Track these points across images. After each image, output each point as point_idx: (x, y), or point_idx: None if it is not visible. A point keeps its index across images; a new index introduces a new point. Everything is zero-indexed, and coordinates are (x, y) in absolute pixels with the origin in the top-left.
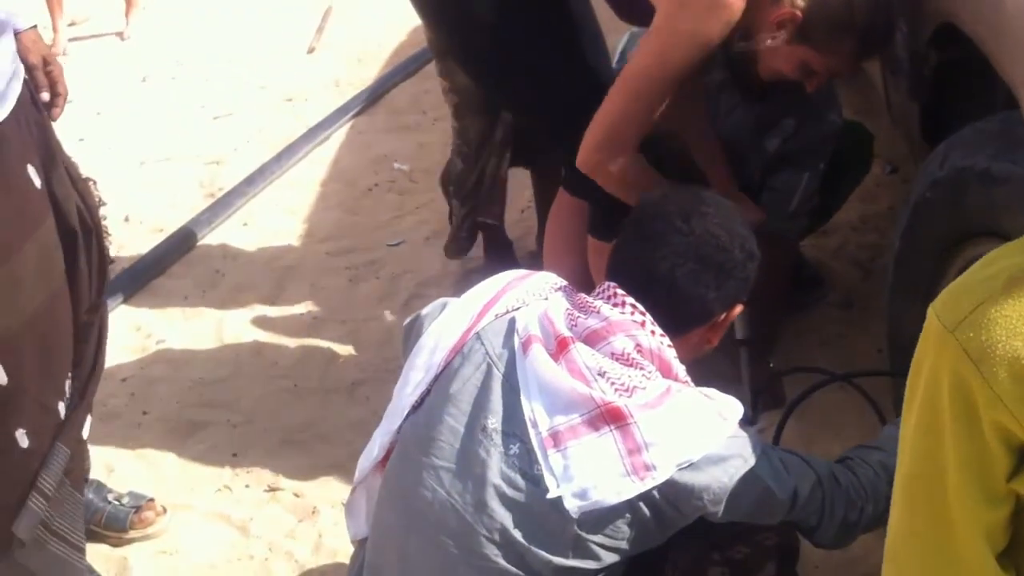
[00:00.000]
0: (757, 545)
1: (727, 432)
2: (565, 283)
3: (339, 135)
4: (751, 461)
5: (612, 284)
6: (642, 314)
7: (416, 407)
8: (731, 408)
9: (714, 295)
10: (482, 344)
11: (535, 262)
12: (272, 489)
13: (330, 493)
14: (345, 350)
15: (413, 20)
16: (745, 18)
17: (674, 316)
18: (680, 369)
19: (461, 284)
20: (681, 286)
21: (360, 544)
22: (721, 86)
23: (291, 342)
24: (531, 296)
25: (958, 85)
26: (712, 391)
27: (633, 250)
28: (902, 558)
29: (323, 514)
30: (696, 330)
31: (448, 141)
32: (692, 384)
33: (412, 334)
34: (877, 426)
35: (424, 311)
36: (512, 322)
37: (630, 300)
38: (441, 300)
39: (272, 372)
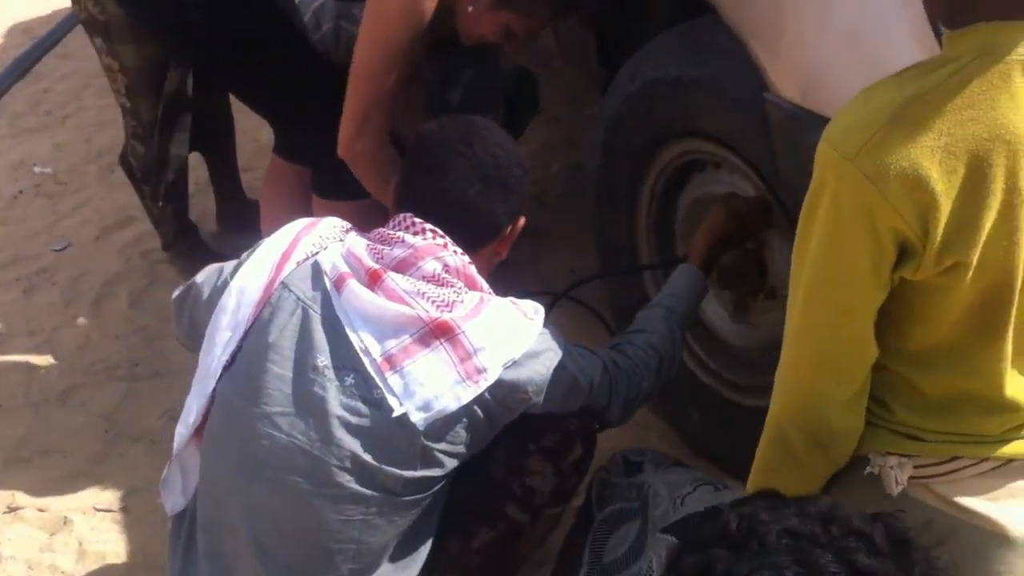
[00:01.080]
0: (564, 431)
1: (537, 330)
2: (350, 225)
3: None
4: (560, 353)
5: (407, 215)
6: (442, 237)
7: (228, 366)
8: (535, 309)
9: (502, 210)
10: (291, 291)
11: (220, 242)
12: (12, 509)
13: (78, 502)
14: (43, 360)
15: (8, 17)
16: None
17: (469, 235)
18: (483, 282)
19: (150, 275)
20: (472, 206)
21: (176, 518)
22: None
23: None
24: (326, 240)
25: (625, 9)
26: (513, 298)
27: (421, 179)
28: (800, 346)
29: (77, 523)
30: (488, 245)
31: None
32: (494, 294)
33: (187, 303)
34: (604, 333)
35: (198, 278)
36: (316, 265)
37: (429, 226)
38: (215, 265)
39: None
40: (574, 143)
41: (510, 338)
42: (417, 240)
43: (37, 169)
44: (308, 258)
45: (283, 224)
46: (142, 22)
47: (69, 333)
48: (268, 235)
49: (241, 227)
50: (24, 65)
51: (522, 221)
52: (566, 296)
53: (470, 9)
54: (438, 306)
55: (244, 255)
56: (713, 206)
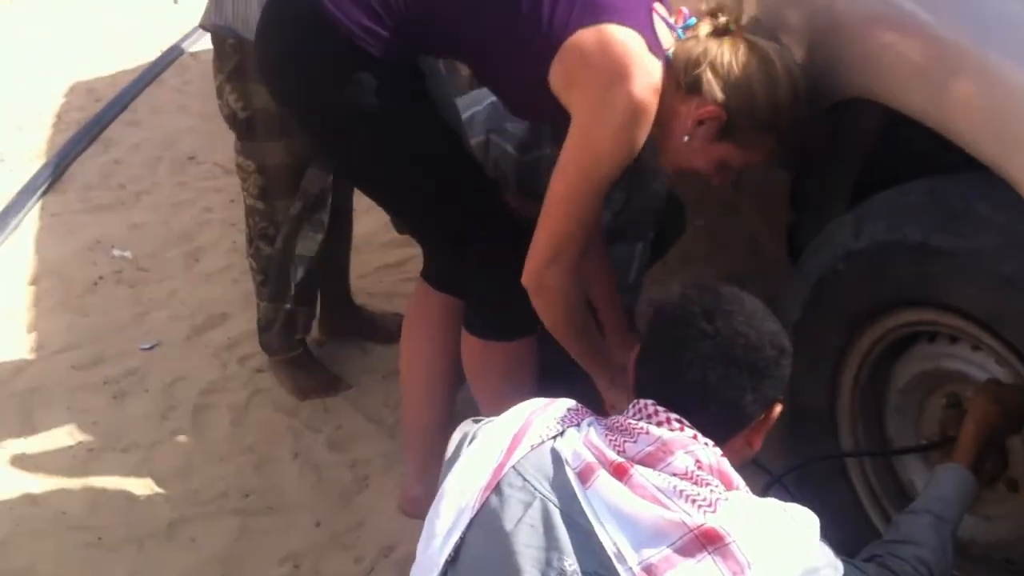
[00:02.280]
0: None
1: (813, 540)
2: (583, 407)
3: (29, 220)
4: (839, 570)
5: (647, 402)
6: (690, 428)
7: (452, 559)
8: (803, 514)
9: (751, 397)
10: (525, 479)
11: (322, 352)
12: None
13: None
14: (142, 485)
15: (70, 75)
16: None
17: (714, 424)
18: (739, 479)
19: (251, 385)
20: (716, 392)
21: None
22: (551, 161)
23: (71, 483)
24: (561, 424)
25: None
26: (772, 498)
27: (659, 360)
28: None
29: None
30: (739, 435)
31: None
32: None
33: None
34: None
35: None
36: (555, 452)
37: (674, 416)
38: (459, 431)
39: (62, 524)
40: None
41: (787, 550)
42: (663, 432)
43: (116, 253)
44: (543, 442)
45: (422, 361)
46: (297, 116)
47: (168, 451)
48: (405, 371)
49: (345, 336)
50: (94, 131)
51: (779, 408)
52: (780, 480)
53: (686, 139)
54: (700, 507)
55: (469, 433)
56: (977, 396)
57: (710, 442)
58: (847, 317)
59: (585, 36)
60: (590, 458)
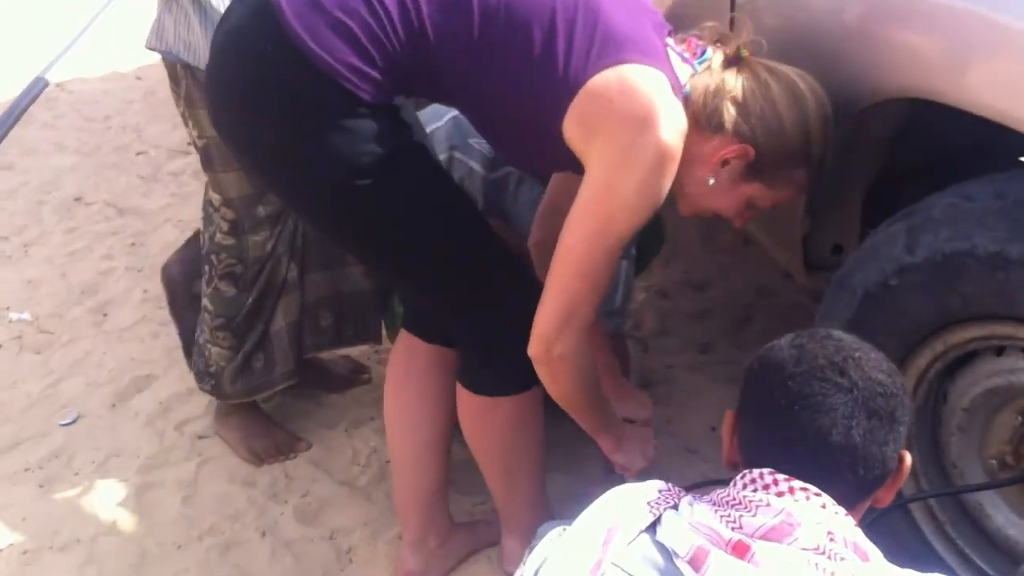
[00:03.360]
0: None
1: None
2: (672, 485)
3: None
4: None
5: (764, 470)
6: (817, 495)
7: None
8: None
9: (892, 449)
10: (626, 573)
11: (270, 406)
12: None
13: None
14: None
15: None
16: None
17: (855, 488)
18: (874, 550)
19: (196, 456)
20: (861, 451)
21: None
22: (521, 177)
23: None
24: (654, 509)
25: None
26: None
27: (785, 423)
28: None
29: None
30: (872, 496)
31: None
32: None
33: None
34: None
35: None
36: (658, 543)
37: (798, 484)
38: (550, 531)
39: None
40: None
41: None
42: (787, 502)
43: (13, 316)
44: (640, 533)
45: (413, 419)
46: (261, 168)
47: (115, 545)
48: (393, 432)
49: (305, 389)
50: None
51: (908, 460)
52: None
53: (712, 182)
54: None
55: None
56: None
57: (841, 510)
58: (901, 335)
59: (607, 80)
60: (700, 541)
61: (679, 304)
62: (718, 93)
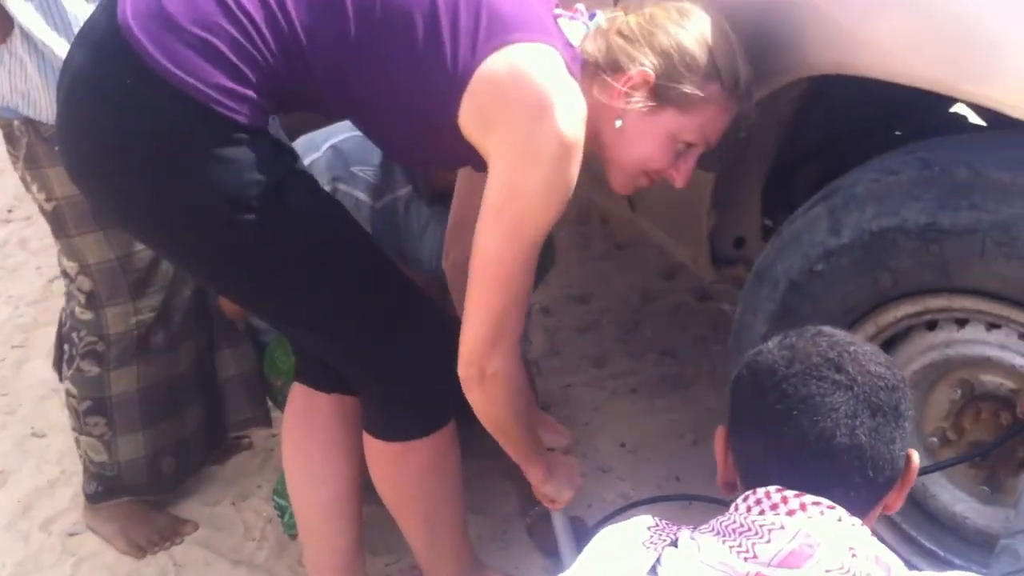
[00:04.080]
0: None
1: None
2: (661, 520)
3: None
4: None
5: (769, 489)
6: (831, 508)
7: None
8: None
9: (899, 447)
10: None
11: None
12: None
13: None
14: None
15: None
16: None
17: (865, 494)
18: (895, 560)
19: (68, 556)
20: (869, 451)
21: None
22: (408, 202)
23: None
24: (652, 549)
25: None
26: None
27: (785, 431)
28: None
29: None
30: (884, 500)
31: None
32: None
33: None
34: None
35: None
36: None
37: (809, 499)
38: None
39: None
40: None
41: None
42: (801, 522)
43: None
44: None
45: (321, 475)
46: (128, 216)
47: None
48: (298, 493)
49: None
50: None
51: (916, 458)
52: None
53: (619, 124)
54: None
55: None
56: None
57: (857, 521)
58: (831, 321)
59: (496, 65)
60: None
61: (565, 320)
62: (605, 33)
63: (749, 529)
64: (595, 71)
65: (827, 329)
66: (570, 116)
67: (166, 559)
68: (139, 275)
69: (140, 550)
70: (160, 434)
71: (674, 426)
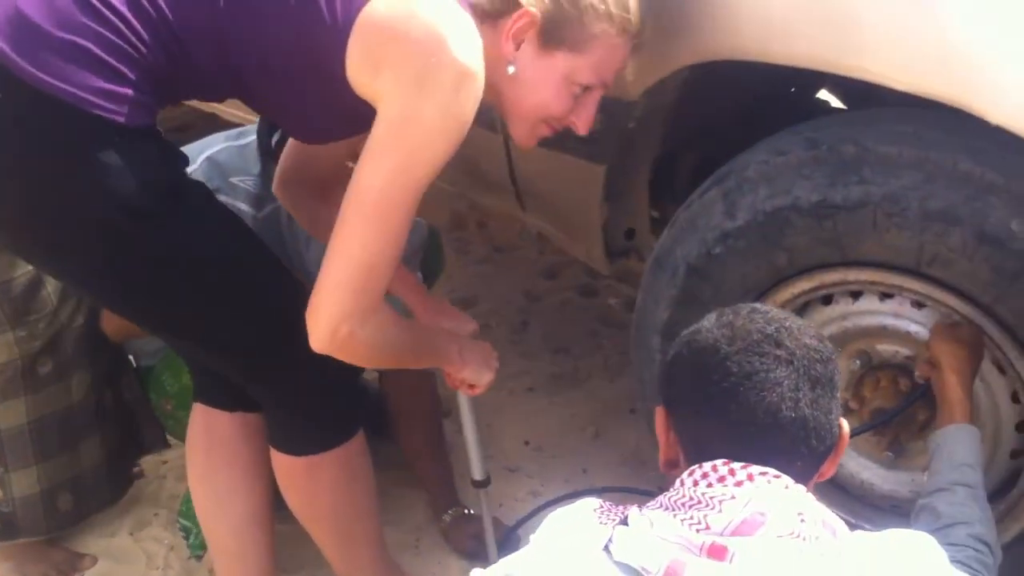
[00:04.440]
0: None
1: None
2: (606, 501)
3: None
4: None
5: (716, 462)
6: (777, 477)
7: None
8: (924, 539)
9: (835, 416)
10: None
11: None
12: None
13: None
14: None
15: None
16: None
17: (809, 462)
18: (839, 523)
19: None
20: (812, 422)
21: None
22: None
23: None
24: (599, 528)
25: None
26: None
27: (732, 407)
28: None
29: None
30: (823, 466)
31: None
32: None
33: None
34: None
35: None
36: (620, 564)
37: (756, 469)
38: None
39: None
40: None
41: None
42: (751, 491)
43: None
44: (597, 558)
45: (230, 497)
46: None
47: None
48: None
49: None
50: None
51: (847, 427)
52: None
53: (512, 70)
54: None
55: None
56: (939, 344)
57: (801, 488)
58: (732, 302)
59: (379, 6)
60: (672, 552)
61: None
62: None
63: (699, 502)
64: (483, 16)
65: (760, 306)
66: (466, 44)
67: None
68: (17, 303)
69: None
70: (55, 469)
71: (575, 420)
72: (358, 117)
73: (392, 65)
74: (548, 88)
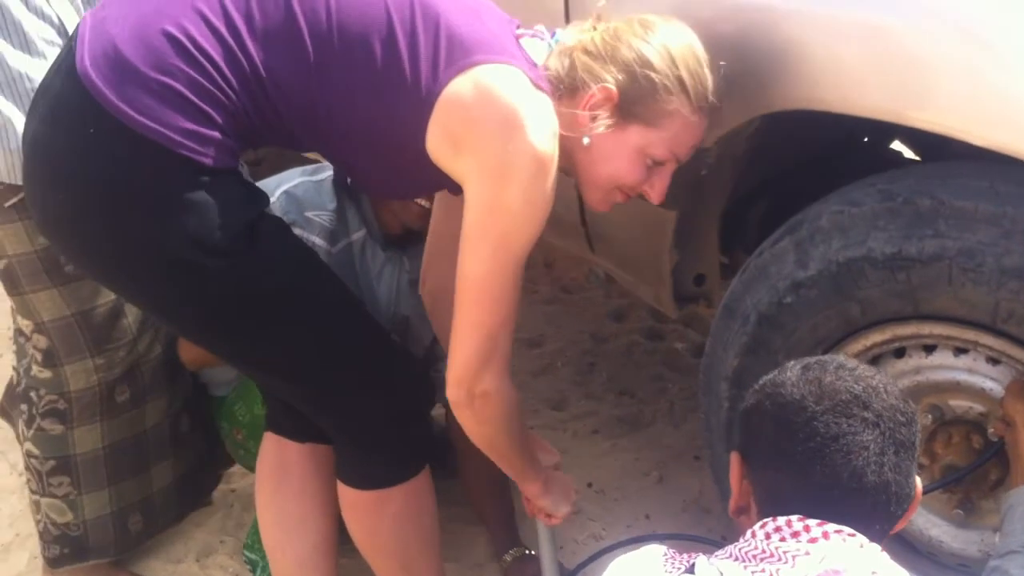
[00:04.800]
0: None
1: None
2: (670, 548)
3: None
4: None
5: (791, 517)
6: (852, 536)
7: None
8: None
9: (913, 477)
10: None
11: None
12: None
13: None
14: None
15: None
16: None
17: (887, 523)
18: None
19: None
20: (895, 487)
21: None
22: (363, 245)
23: None
24: (671, 573)
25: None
26: None
27: (816, 468)
28: None
29: None
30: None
31: None
32: None
33: None
34: None
35: None
36: None
37: (831, 527)
38: None
39: None
40: None
41: None
42: (824, 548)
43: None
44: None
45: (299, 527)
46: (102, 269)
47: None
48: (275, 547)
49: None
50: None
51: (920, 486)
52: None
53: (587, 141)
54: None
55: None
56: (1020, 402)
57: (876, 547)
58: (802, 352)
59: (461, 87)
60: None
61: (518, 363)
62: (569, 50)
63: (772, 555)
64: (560, 90)
65: (847, 361)
66: (541, 130)
67: None
68: (98, 331)
69: None
70: (127, 491)
71: (639, 465)
72: (432, 183)
73: (472, 151)
74: (621, 160)
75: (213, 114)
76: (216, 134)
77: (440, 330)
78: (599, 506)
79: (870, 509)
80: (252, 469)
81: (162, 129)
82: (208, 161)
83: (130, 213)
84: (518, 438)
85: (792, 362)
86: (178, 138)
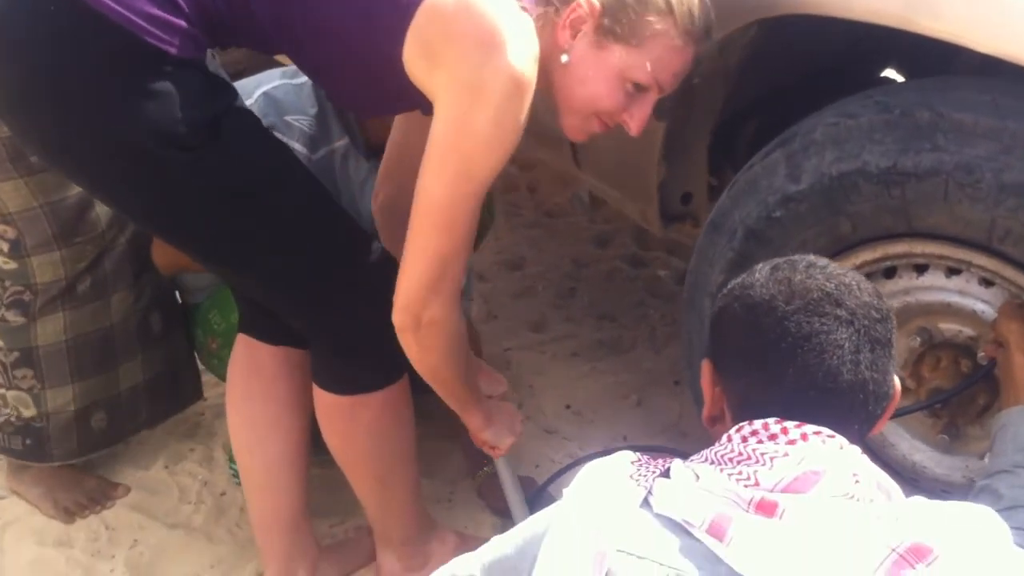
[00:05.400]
0: None
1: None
2: (643, 454)
3: None
4: None
5: (768, 420)
6: (831, 437)
7: None
8: (984, 511)
9: (891, 375)
10: (639, 557)
11: None
12: None
13: None
14: None
15: None
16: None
17: (866, 422)
18: (894, 486)
19: None
20: (871, 385)
21: None
22: (345, 155)
23: None
24: (640, 481)
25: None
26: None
27: (789, 369)
28: None
29: None
30: (876, 426)
31: None
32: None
33: None
34: None
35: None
36: (661, 517)
37: (810, 428)
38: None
39: None
40: None
41: (989, 553)
42: (803, 449)
43: None
44: (636, 511)
45: (268, 431)
46: (60, 158)
47: None
48: (243, 449)
49: None
50: None
51: (898, 384)
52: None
53: (565, 58)
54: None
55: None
56: (1009, 324)
57: (856, 449)
58: None
59: None
60: (717, 506)
61: (499, 286)
62: None
63: (748, 457)
64: (544, 5)
65: (816, 259)
66: (522, 52)
67: (97, 523)
68: (66, 224)
69: (69, 514)
70: (92, 389)
71: (618, 388)
72: (404, 98)
73: (447, 66)
74: (600, 82)
75: (181, 3)
76: (182, 23)
77: (389, 244)
78: (575, 427)
79: (847, 409)
80: (224, 379)
81: (127, 13)
82: (172, 50)
83: (87, 98)
84: (461, 369)
85: (761, 264)
86: (143, 23)
